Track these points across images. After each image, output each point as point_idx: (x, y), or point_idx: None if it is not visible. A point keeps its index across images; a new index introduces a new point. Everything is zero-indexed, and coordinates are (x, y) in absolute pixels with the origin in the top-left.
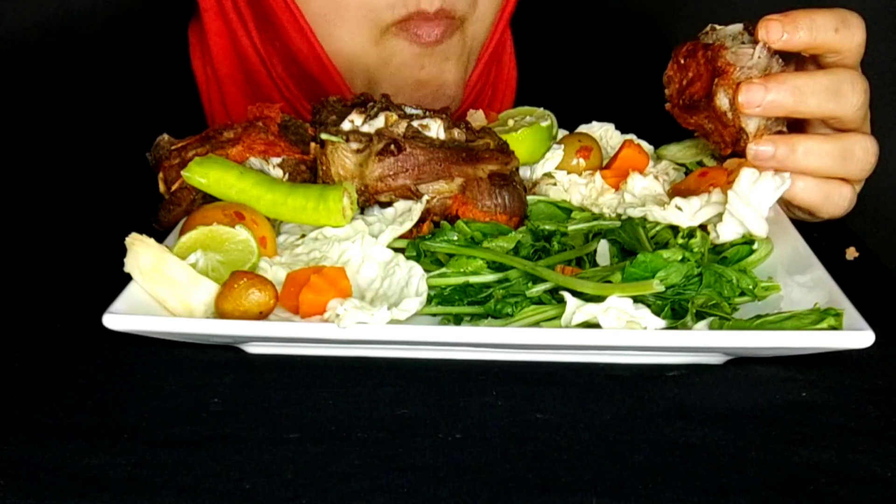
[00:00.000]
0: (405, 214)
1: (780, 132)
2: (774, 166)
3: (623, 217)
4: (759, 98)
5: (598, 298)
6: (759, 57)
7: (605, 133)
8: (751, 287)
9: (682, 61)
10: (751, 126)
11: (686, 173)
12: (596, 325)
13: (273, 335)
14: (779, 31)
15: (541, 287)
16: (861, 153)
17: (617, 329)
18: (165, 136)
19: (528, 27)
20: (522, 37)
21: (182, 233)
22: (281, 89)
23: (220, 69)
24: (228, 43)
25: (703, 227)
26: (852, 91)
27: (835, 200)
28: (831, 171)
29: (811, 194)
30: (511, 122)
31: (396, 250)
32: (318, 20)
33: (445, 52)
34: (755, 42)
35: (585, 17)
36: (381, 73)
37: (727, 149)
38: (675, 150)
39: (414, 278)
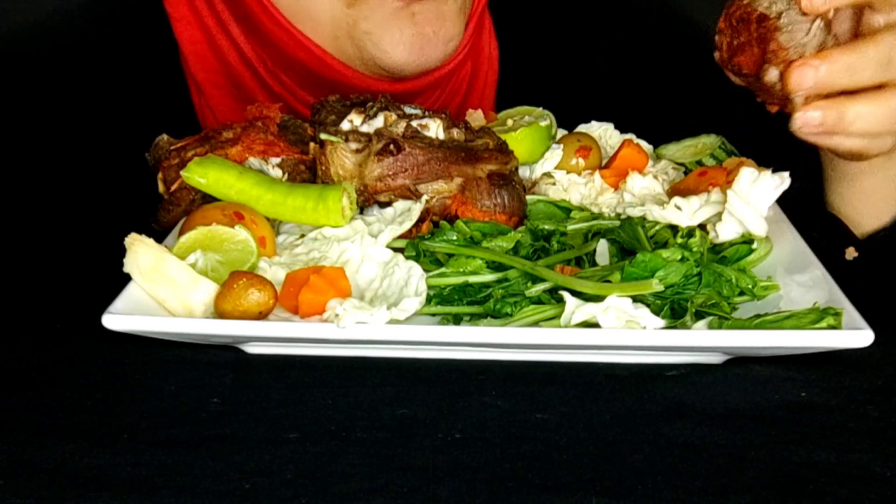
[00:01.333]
0: (404, 214)
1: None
2: (823, 132)
3: (622, 217)
4: (810, 79)
5: (598, 298)
6: (814, 35)
7: (604, 133)
8: (750, 286)
9: (735, 24)
10: (798, 98)
11: (685, 173)
12: (595, 325)
13: (272, 335)
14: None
15: (540, 287)
16: None
17: (616, 329)
18: (165, 137)
19: (527, 27)
20: (522, 36)
21: (181, 233)
22: (271, 85)
23: (198, 74)
24: (205, 48)
25: (702, 226)
26: None
27: (879, 144)
28: (882, 130)
29: (858, 146)
30: (510, 122)
31: (396, 250)
32: (289, 5)
33: (439, 9)
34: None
35: (585, 17)
36: (366, 35)
37: (774, 108)
38: (674, 150)
39: (413, 278)
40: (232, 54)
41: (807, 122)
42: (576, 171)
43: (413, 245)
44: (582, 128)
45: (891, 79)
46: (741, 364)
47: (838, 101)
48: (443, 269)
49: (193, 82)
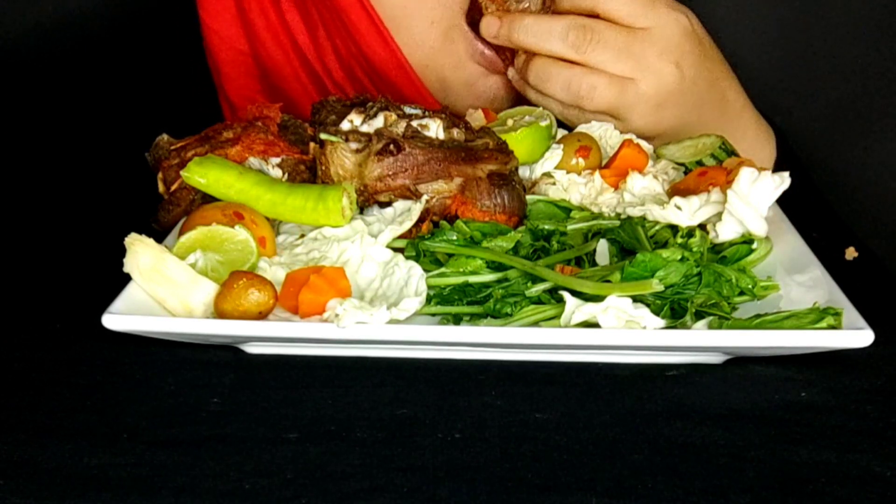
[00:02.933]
0: (404, 214)
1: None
2: (501, 41)
3: (622, 216)
4: (494, 29)
5: (598, 298)
6: (533, 4)
7: (604, 132)
8: (750, 286)
9: None
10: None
11: (685, 173)
12: (595, 325)
13: (272, 335)
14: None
15: (540, 287)
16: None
17: (616, 329)
18: (165, 136)
19: None
20: None
21: (181, 233)
22: (321, 78)
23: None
24: (239, 38)
25: (702, 226)
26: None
27: (581, 91)
28: (559, 54)
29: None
30: (510, 122)
31: (396, 250)
32: (391, 19)
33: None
34: None
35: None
36: (449, 83)
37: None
38: (674, 150)
39: (413, 278)
40: (274, 46)
41: (488, 24)
42: (576, 171)
43: (413, 245)
44: (582, 128)
45: (580, 58)
46: (741, 364)
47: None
48: (443, 269)
49: (225, 98)
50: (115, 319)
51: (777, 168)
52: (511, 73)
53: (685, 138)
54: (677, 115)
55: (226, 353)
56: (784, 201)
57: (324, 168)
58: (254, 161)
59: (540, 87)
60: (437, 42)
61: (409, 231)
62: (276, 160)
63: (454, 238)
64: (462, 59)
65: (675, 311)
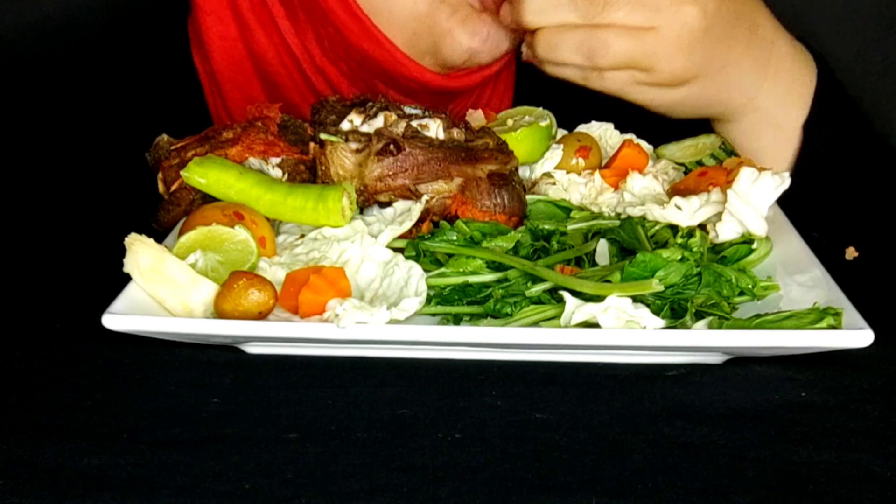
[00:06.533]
0: (404, 214)
1: None
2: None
3: (622, 216)
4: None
5: (598, 298)
6: None
7: (604, 133)
8: (750, 286)
9: None
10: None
11: (685, 173)
12: (595, 325)
13: (272, 335)
14: None
15: (540, 287)
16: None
17: (616, 329)
18: (165, 137)
19: None
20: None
21: (181, 233)
22: (314, 82)
23: (221, 70)
24: (236, 44)
25: (702, 226)
26: None
27: (595, 48)
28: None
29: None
30: (510, 122)
31: (396, 250)
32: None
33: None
34: None
35: None
36: (446, 30)
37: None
38: (674, 150)
39: (413, 278)
40: (271, 51)
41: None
42: (576, 171)
43: (413, 245)
44: (582, 128)
45: (594, 23)
46: (741, 364)
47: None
48: (443, 269)
49: (212, 78)
50: (115, 319)
51: (818, 99)
52: (524, 50)
53: (685, 138)
54: (706, 54)
55: (226, 353)
56: (784, 201)
57: (324, 168)
58: (254, 161)
59: (552, 58)
60: (421, 6)
61: (409, 231)
62: (276, 160)
63: (454, 238)
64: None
65: (675, 311)
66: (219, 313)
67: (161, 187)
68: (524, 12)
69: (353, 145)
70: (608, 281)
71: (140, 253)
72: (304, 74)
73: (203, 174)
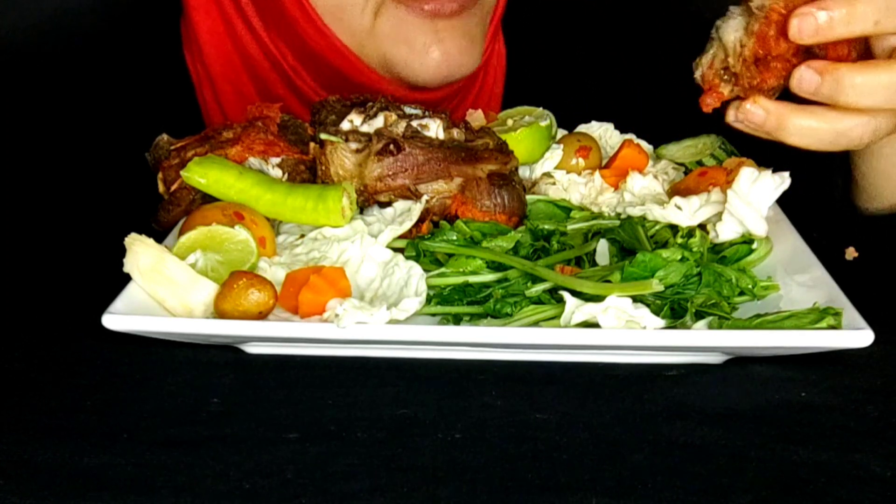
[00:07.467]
0: (404, 214)
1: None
2: (820, 98)
3: (622, 216)
4: (812, 25)
5: (598, 298)
6: None
7: (604, 133)
8: (750, 286)
9: (749, 64)
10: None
11: (685, 173)
12: (595, 325)
13: (272, 335)
14: (812, 29)
15: (540, 287)
16: None
17: (616, 329)
18: (165, 137)
19: (527, 26)
20: (521, 36)
21: (181, 233)
22: (294, 81)
23: (213, 67)
24: (225, 41)
25: (702, 226)
26: None
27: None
28: (886, 105)
29: (863, 132)
30: (510, 122)
31: (396, 250)
32: (326, 6)
33: (465, 27)
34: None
35: (585, 16)
36: (393, 54)
37: (709, 106)
38: (674, 150)
39: (413, 278)
40: (253, 46)
41: (803, 83)
42: (576, 171)
43: (413, 245)
44: (582, 128)
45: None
46: (741, 364)
47: (835, 64)
48: (443, 269)
49: (205, 77)
50: (115, 319)
51: None
52: (755, 111)
53: (685, 138)
54: None
55: (226, 353)
56: (784, 201)
57: (324, 168)
58: (254, 161)
59: (856, 104)
60: (367, 21)
61: (409, 231)
62: (276, 160)
63: (454, 238)
64: (397, 31)
65: (675, 311)
66: (219, 313)
67: (161, 187)
68: (848, 90)
69: (353, 145)
70: (608, 281)
71: (140, 253)
72: (282, 71)
73: (203, 174)
